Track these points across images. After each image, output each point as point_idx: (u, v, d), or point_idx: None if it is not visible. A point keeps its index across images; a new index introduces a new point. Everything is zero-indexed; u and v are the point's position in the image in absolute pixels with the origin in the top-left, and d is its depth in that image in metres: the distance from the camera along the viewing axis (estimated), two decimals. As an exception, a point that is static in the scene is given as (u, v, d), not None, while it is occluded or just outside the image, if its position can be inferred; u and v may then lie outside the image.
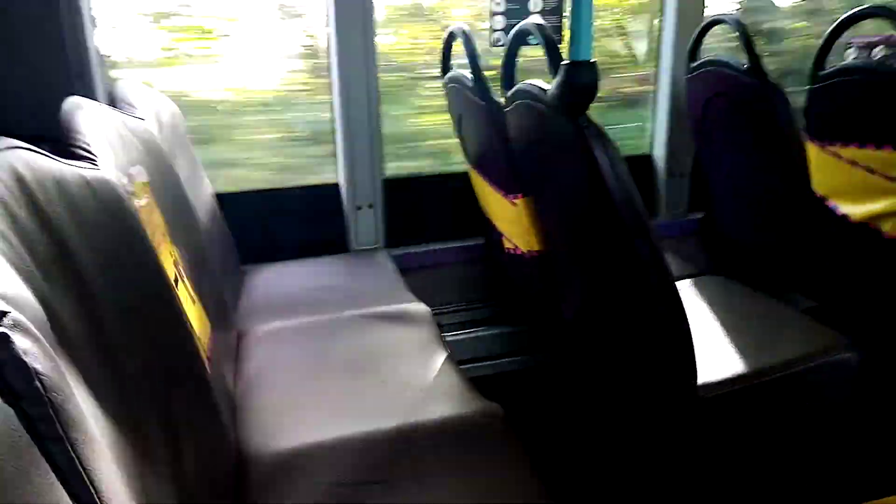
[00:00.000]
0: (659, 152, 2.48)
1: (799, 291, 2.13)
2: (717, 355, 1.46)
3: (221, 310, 1.45)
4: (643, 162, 2.51)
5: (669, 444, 1.52)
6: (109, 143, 1.04)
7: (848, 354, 1.48)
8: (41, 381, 0.52)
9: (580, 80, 1.27)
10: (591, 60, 1.26)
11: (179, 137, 1.74)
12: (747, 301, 1.77)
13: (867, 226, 1.76)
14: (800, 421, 1.50)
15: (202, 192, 1.74)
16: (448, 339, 2.17)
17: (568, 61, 1.29)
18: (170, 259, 1.08)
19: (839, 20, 1.85)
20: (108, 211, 0.89)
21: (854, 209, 1.79)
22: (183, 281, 1.12)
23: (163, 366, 0.87)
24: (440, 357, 1.42)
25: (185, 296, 1.10)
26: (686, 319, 1.27)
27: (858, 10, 1.78)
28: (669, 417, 1.42)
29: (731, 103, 2.04)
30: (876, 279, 1.81)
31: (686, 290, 1.83)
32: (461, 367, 2.12)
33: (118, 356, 0.74)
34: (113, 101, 1.43)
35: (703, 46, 2.21)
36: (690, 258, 2.32)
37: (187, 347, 0.99)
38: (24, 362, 0.51)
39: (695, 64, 2.20)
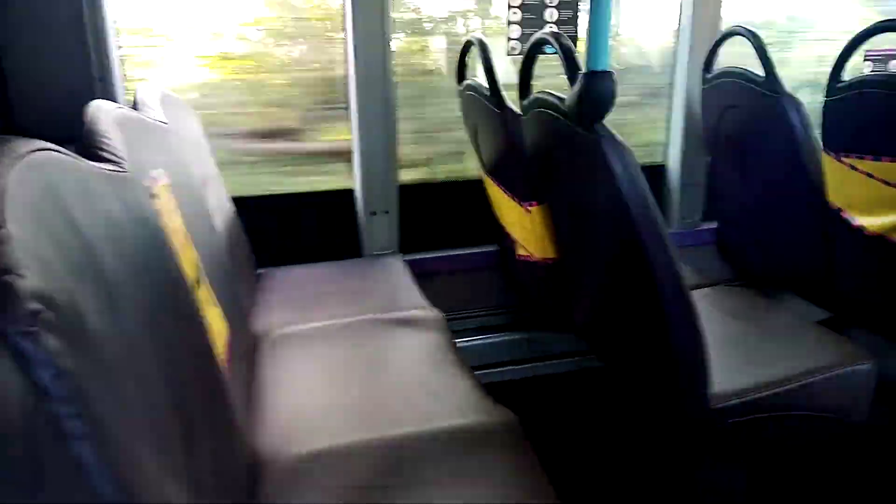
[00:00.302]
0: (673, 162, 2.48)
1: (814, 302, 2.12)
2: (729, 365, 1.45)
3: (239, 312, 1.46)
4: (657, 172, 2.51)
5: (682, 453, 1.51)
6: (132, 145, 1.05)
7: (863, 365, 1.47)
8: (70, 380, 0.53)
9: (598, 89, 1.28)
10: (609, 70, 1.27)
11: (198, 140, 1.76)
12: (761, 311, 1.76)
13: (883, 238, 1.75)
14: (814, 432, 1.49)
15: (220, 196, 1.76)
16: (461, 344, 2.18)
17: (585, 71, 1.30)
18: (190, 261, 1.10)
19: (856, 34, 1.84)
20: (133, 213, 0.91)
21: (870, 221, 1.79)
22: (203, 283, 1.14)
23: (181, 367, 0.87)
24: (454, 363, 1.42)
25: (205, 298, 1.12)
26: (700, 328, 1.27)
27: (875, 25, 1.78)
28: (682, 427, 1.42)
29: (747, 114, 2.04)
30: (892, 290, 1.80)
31: (700, 299, 1.82)
32: (476, 373, 2.14)
33: (140, 357, 0.75)
34: (134, 104, 1.45)
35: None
36: (704, 268, 2.32)
37: (206, 350, 1.00)
38: (54, 361, 0.52)
39: (710, 75, 2.20)
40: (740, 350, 1.53)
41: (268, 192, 2.17)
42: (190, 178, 1.40)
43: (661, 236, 1.23)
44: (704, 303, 1.81)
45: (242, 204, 1.96)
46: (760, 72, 1.96)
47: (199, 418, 0.87)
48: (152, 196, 1.02)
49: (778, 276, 2.15)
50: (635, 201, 1.23)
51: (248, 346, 1.49)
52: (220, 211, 1.68)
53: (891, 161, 1.68)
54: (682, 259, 1.29)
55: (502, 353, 2.25)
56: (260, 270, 2.00)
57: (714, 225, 2.48)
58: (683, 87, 2.39)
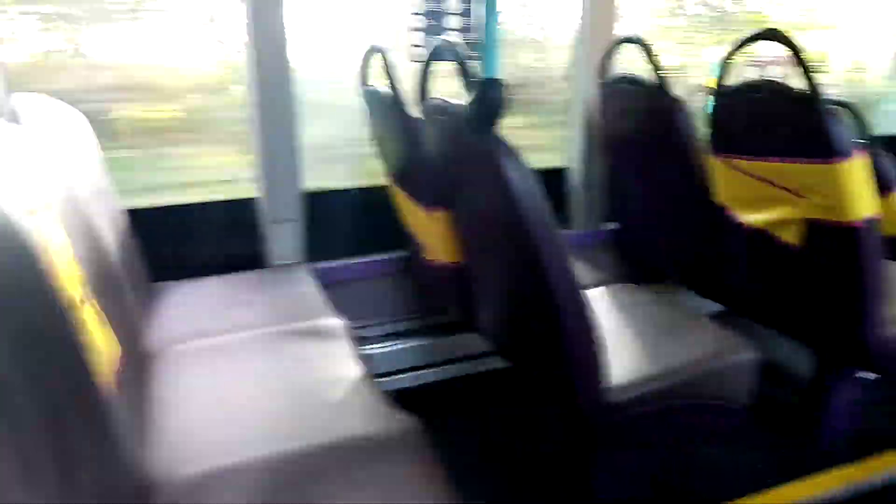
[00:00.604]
0: (573, 165, 2.56)
1: (708, 297, 2.23)
2: (625, 360, 1.51)
3: (131, 330, 1.40)
4: (558, 175, 2.58)
5: (582, 447, 1.56)
6: (6, 159, 1.00)
7: (747, 355, 1.56)
8: None
9: (488, 96, 1.31)
10: (498, 78, 1.31)
11: (86, 151, 1.68)
12: (657, 307, 1.84)
13: (765, 233, 1.86)
14: (704, 419, 1.57)
15: (110, 208, 1.68)
16: (371, 352, 2.17)
17: (477, 78, 1.34)
18: (73, 280, 1.05)
19: (737, 41, 1.96)
20: (5, 232, 0.86)
21: (753, 218, 1.90)
22: (88, 301, 1.08)
23: (56, 394, 0.83)
24: (356, 373, 1.41)
25: (91, 317, 1.07)
26: (593, 326, 1.31)
27: (754, 33, 1.89)
28: (581, 421, 1.47)
29: (639, 118, 2.13)
30: (774, 284, 1.92)
31: (599, 297, 1.89)
32: (386, 379, 2.14)
33: (9, 385, 0.71)
34: (10, 115, 1.37)
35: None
36: (605, 267, 2.40)
37: (85, 373, 0.95)
38: None
39: (606, 80, 2.29)
40: (635, 345, 1.60)
41: (165, 204, 2.09)
42: (74, 191, 1.33)
43: (553, 238, 1.27)
44: (604, 301, 1.87)
45: (138, 216, 1.88)
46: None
47: (78, 445, 0.83)
48: (29, 213, 0.96)
49: (674, 273, 2.26)
50: (527, 205, 1.27)
51: (141, 364, 1.43)
52: (111, 224, 1.61)
53: (770, 161, 1.79)
54: (585, 259, 1.34)
55: (413, 358, 2.25)
56: (158, 285, 1.92)
57: (615, 226, 2.57)
58: (583, 92, 2.47)
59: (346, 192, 2.33)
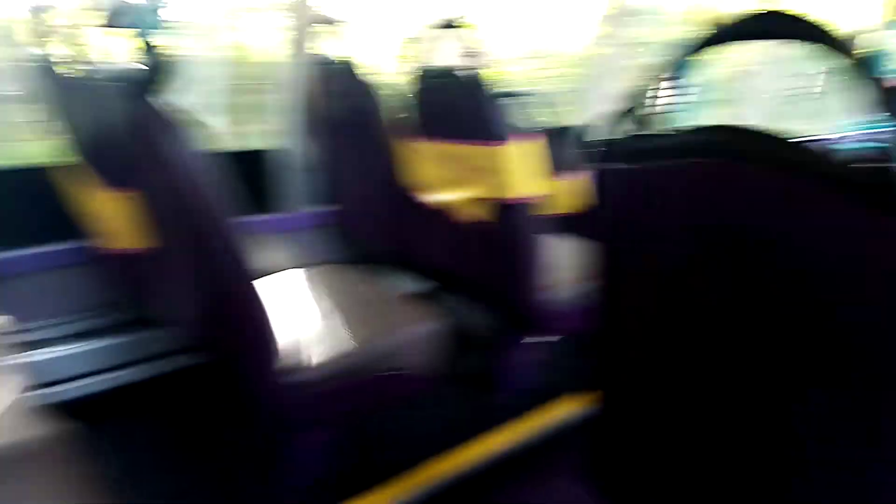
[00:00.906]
0: (286, 146, 2.51)
1: (417, 274, 2.34)
2: (314, 339, 1.52)
3: None
4: (269, 156, 2.51)
5: (274, 434, 1.54)
6: None
7: (441, 325, 1.66)
8: None
9: (150, 61, 1.23)
10: (151, 42, 1.23)
11: None
12: (362, 286, 1.88)
13: (454, 212, 2.00)
14: (399, 389, 1.63)
15: None
16: (44, 356, 1.90)
17: (140, 44, 1.24)
18: None
19: (428, 29, 2.06)
20: None
21: (447, 197, 2.03)
22: None
23: None
24: (7, 379, 1.23)
25: None
26: (265, 308, 1.29)
27: (442, 21, 2.01)
28: (263, 408, 1.44)
29: (338, 100, 2.16)
30: (464, 260, 2.07)
31: (306, 278, 1.89)
32: (60, 388, 1.89)
33: None
34: None
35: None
36: (315, 249, 2.40)
37: None
38: None
39: (316, 63, 2.27)
40: (328, 324, 1.61)
41: None
42: None
43: (219, 221, 1.22)
44: (309, 281, 1.87)
45: None
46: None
47: None
48: None
49: (385, 253, 2.33)
50: (192, 185, 1.20)
51: None
52: None
53: (455, 144, 1.93)
54: (301, 241, 1.28)
55: (93, 361, 2.00)
56: None
57: (326, 207, 2.57)
58: (297, 73, 2.42)
59: (15, 171, 2.01)
